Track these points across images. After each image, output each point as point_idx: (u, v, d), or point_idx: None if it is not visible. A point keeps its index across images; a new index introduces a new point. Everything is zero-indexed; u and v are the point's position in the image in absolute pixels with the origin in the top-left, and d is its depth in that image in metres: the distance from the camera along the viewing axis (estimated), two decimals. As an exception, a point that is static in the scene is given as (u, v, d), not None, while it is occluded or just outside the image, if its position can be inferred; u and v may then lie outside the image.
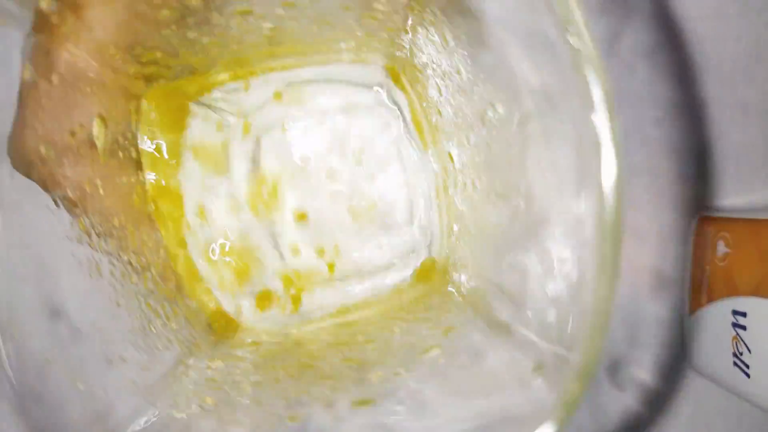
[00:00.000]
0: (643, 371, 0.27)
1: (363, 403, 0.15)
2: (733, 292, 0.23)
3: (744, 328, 0.22)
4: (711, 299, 0.24)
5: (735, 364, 0.23)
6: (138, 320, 0.16)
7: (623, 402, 0.27)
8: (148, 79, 0.18)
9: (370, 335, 0.19)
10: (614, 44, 0.26)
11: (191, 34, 0.17)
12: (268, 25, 0.17)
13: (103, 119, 0.16)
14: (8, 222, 0.14)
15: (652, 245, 0.27)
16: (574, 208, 0.13)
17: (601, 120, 0.11)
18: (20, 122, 0.16)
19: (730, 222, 0.24)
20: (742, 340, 0.22)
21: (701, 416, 0.27)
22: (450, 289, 0.20)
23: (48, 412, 0.13)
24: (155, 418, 0.14)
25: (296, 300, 0.21)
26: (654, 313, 0.27)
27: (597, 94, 0.11)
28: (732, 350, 0.23)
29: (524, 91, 0.14)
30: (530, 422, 0.13)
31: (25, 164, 0.16)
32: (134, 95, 0.18)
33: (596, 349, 0.12)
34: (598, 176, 0.11)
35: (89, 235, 0.15)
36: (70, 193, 0.15)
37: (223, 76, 0.19)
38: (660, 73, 0.26)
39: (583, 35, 0.11)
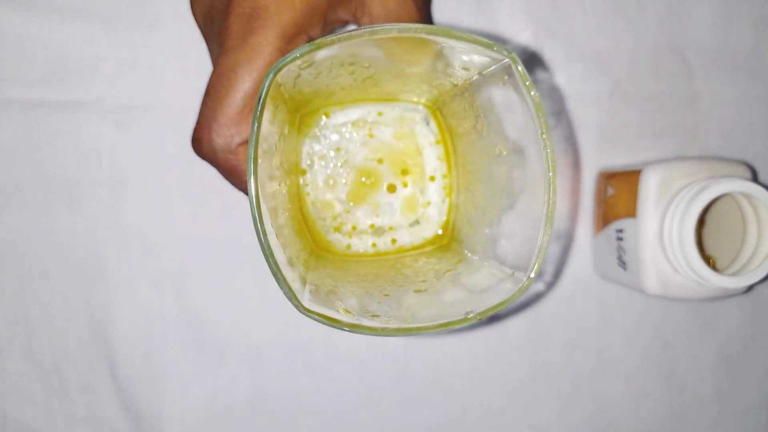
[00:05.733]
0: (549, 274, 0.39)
1: (418, 291, 0.26)
2: (616, 217, 0.34)
3: (622, 239, 0.33)
4: (605, 224, 0.35)
5: (618, 264, 0.34)
6: (290, 250, 0.24)
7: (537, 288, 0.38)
8: (300, 102, 0.27)
9: (406, 264, 0.29)
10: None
11: (330, 83, 0.26)
12: (363, 75, 0.26)
13: (288, 123, 0.26)
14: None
15: (574, 194, 0.38)
16: (532, 202, 0.23)
17: (547, 165, 0.21)
18: (211, 120, 0.24)
19: (616, 173, 0.35)
20: (622, 247, 0.33)
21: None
22: (455, 243, 0.30)
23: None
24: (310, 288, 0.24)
25: (368, 239, 0.31)
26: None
27: (550, 155, 0.21)
28: (617, 255, 0.34)
29: (508, 141, 0.24)
30: (499, 296, 0.23)
31: (209, 153, 0.25)
32: (296, 111, 0.27)
33: (535, 276, 0.21)
34: (546, 187, 0.21)
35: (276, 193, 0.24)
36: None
37: (335, 102, 0.29)
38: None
39: (547, 132, 0.21)
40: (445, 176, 0.31)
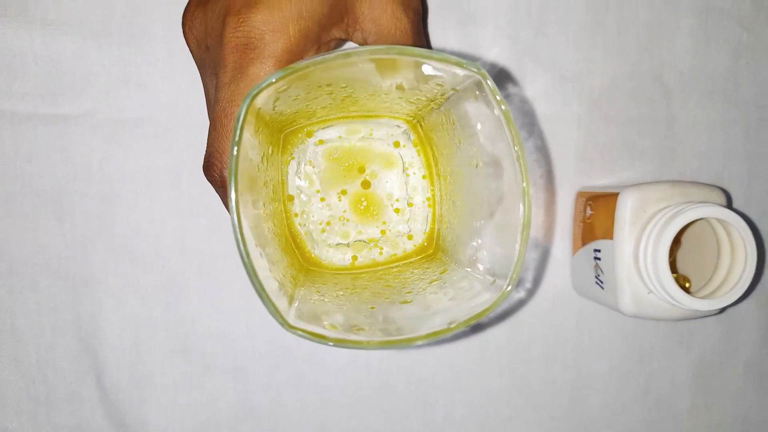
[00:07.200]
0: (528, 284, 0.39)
1: (404, 302, 0.25)
2: (594, 238, 0.34)
3: (600, 259, 0.33)
4: (584, 243, 0.35)
5: (596, 282, 0.34)
6: (277, 268, 0.24)
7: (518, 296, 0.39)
8: (283, 123, 0.27)
9: (393, 275, 0.29)
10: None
11: (310, 104, 0.26)
12: (342, 95, 0.26)
13: (271, 143, 0.26)
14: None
15: (551, 213, 0.38)
16: (509, 211, 0.23)
17: (521, 175, 0.21)
18: (220, 152, 0.24)
19: (594, 195, 0.35)
20: (599, 267, 0.34)
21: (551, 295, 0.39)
22: (440, 253, 0.30)
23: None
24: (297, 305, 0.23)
25: (354, 256, 0.31)
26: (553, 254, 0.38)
27: (522, 165, 0.21)
28: (594, 274, 0.34)
29: (484, 154, 0.24)
30: (482, 304, 0.23)
31: (219, 182, 0.25)
32: (279, 131, 0.27)
33: (514, 283, 0.22)
34: (521, 197, 0.21)
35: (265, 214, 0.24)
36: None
37: (316, 122, 0.29)
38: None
39: (519, 144, 0.21)
40: (424, 177, 0.31)
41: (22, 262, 0.35)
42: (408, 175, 0.31)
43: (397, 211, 0.31)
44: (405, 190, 0.31)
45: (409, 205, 0.31)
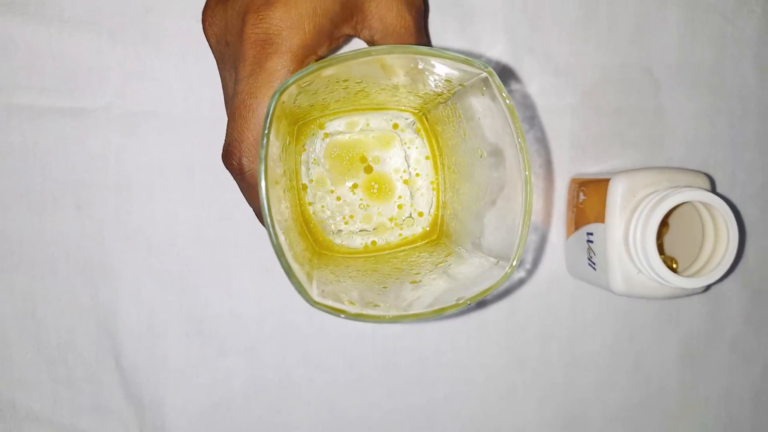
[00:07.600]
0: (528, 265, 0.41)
1: (413, 282, 0.27)
2: (587, 221, 0.35)
3: (592, 242, 0.35)
4: (577, 227, 0.37)
5: (588, 264, 0.36)
6: (296, 251, 0.25)
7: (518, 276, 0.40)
8: (299, 115, 0.29)
9: (401, 259, 0.31)
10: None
11: (326, 97, 0.27)
12: (355, 89, 0.28)
13: (288, 134, 0.27)
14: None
15: (549, 199, 0.40)
16: (511, 197, 0.25)
17: (523, 164, 0.22)
18: (239, 141, 0.26)
19: (587, 181, 0.37)
20: (592, 249, 0.35)
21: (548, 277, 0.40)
22: (445, 238, 0.32)
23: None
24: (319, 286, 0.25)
25: (374, 241, 0.32)
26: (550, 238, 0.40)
27: (525, 155, 0.23)
28: (587, 256, 0.36)
29: (488, 144, 0.26)
30: (486, 282, 0.25)
31: (238, 170, 0.27)
32: (294, 123, 0.29)
33: (518, 260, 0.23)
34: (523, 184, 0.23)
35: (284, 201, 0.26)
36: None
37: (328, 113, 0.31)
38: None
39: (522, 136, 0.22)
40: (427, 158, 0.32)
41: (42, 250, 0.36)
42: (409, 148, 0.32)
43: (406, 182, 0.32)
44: (408, 163, 0.32)
45: (416, 175, 0.32)
